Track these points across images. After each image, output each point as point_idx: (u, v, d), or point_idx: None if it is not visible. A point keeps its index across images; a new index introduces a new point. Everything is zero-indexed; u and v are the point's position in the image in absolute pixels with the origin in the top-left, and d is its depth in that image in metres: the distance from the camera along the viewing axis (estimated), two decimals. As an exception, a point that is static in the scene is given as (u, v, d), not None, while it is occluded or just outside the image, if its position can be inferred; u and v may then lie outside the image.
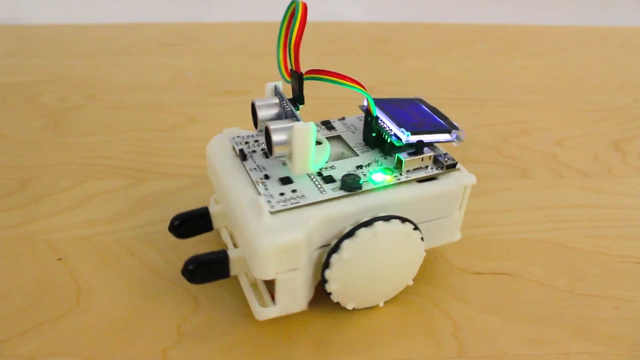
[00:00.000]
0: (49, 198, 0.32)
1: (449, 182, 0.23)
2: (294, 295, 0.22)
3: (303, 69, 0.22)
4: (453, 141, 0.24)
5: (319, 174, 0.23)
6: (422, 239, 0.23)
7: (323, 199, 0.21)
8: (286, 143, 0.21)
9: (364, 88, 0.22)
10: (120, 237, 0.29)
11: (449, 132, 0.24)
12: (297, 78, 0.22)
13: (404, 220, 0.22)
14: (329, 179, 0.22)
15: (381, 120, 0.24)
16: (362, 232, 0.21)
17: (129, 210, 0.31)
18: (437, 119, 0.25)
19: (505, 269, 0.27)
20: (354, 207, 0.21)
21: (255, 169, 0.23)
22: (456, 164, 0.23)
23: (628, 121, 0.40)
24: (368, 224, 0.21)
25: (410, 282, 0.24)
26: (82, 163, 0.35)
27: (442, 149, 0.24)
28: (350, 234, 0.21)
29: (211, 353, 0.22)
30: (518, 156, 0.36)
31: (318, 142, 0.23)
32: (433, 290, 0.25)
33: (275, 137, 0.21)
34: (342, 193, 0.22)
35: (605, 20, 0.62)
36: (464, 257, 0.27)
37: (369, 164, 0.23)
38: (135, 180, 0.33)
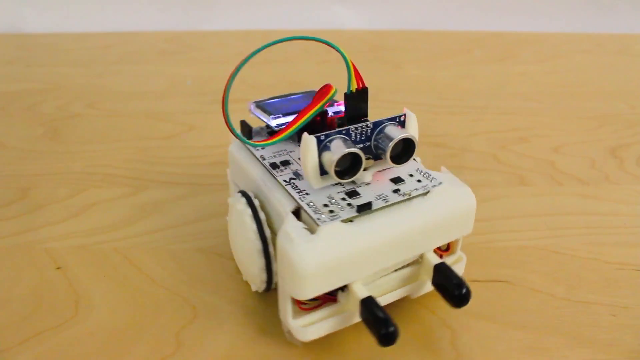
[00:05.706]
0: (47, 207, 0.32)
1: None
2: None
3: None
4: None
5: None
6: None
7: None
8: None
9: None
10: (119, 245, 0.29)
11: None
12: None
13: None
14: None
15: None
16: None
17: (128, 218, 0.31)
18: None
19: (502, 276, 0.27)
20: None
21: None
22: None
23: (625, 128, 0.40)
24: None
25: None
26: (81, 172, 0.35)
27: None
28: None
29: (209, 362, 0.22)
30: (516, 163, 0.36)
31: None
32: (430, 298, 0.25)
33: None
34: None
35: (603, 27, 0.62)
36: (461, 265, 0.27)
37: None
38: (134, 189, 0.33)
